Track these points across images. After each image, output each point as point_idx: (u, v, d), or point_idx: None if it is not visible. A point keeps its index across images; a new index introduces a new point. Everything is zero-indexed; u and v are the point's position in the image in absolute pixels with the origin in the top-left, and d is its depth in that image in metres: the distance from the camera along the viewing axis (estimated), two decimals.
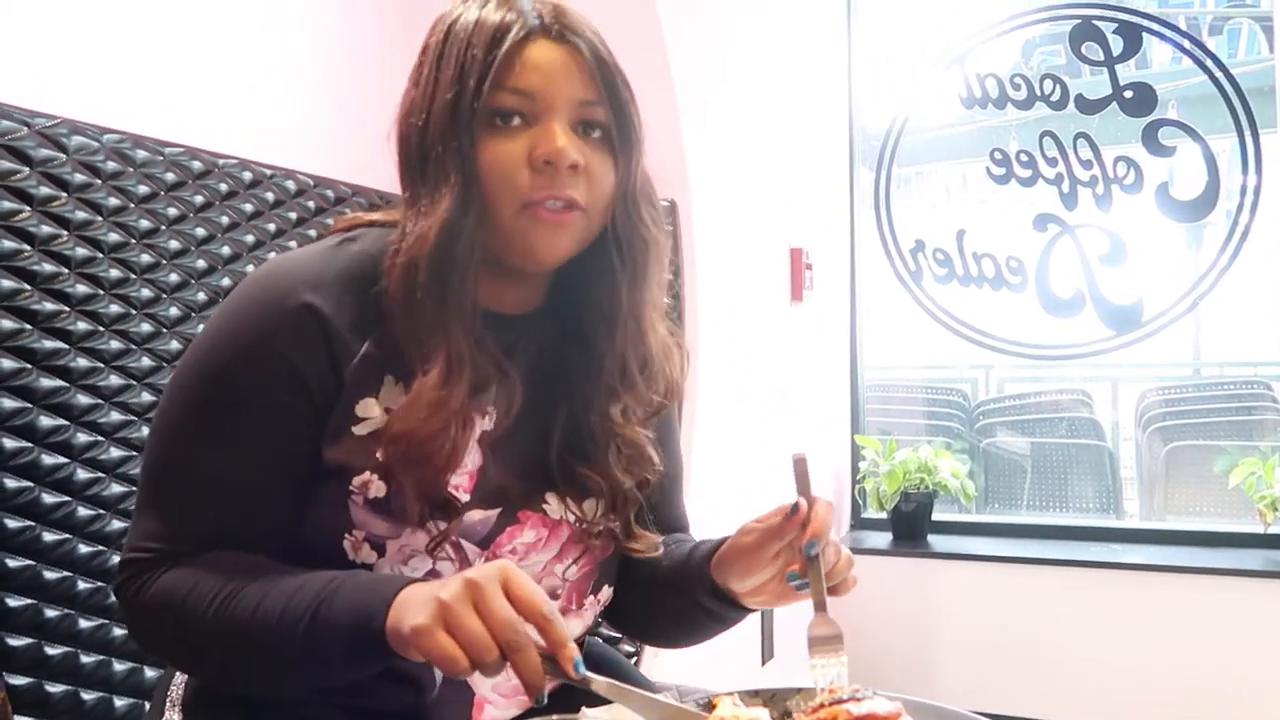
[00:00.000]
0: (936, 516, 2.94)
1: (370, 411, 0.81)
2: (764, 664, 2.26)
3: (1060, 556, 2.73)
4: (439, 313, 0.79)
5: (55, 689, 1.09)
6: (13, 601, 1.05)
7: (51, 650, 1.09)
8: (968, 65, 2.97)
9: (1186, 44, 2.80)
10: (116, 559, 1.14)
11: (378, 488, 0.79)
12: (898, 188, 3.06)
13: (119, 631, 1.15)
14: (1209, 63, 2.75)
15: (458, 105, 0.79)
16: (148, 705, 1.13)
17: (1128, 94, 2.80)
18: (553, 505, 0.90)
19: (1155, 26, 2.82)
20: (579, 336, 0.90)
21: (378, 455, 0.79)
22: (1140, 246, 2.81)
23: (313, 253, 0.85)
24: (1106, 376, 3.59)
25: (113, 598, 1.14)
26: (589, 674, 0.70)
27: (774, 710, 0.75)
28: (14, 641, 1.05)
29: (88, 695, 1.12)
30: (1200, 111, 2.78)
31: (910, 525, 2.89)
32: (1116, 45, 2.81)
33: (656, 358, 0.91)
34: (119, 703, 1.15)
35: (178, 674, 0.91)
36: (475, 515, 0.85)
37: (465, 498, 0.83)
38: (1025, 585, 2.73)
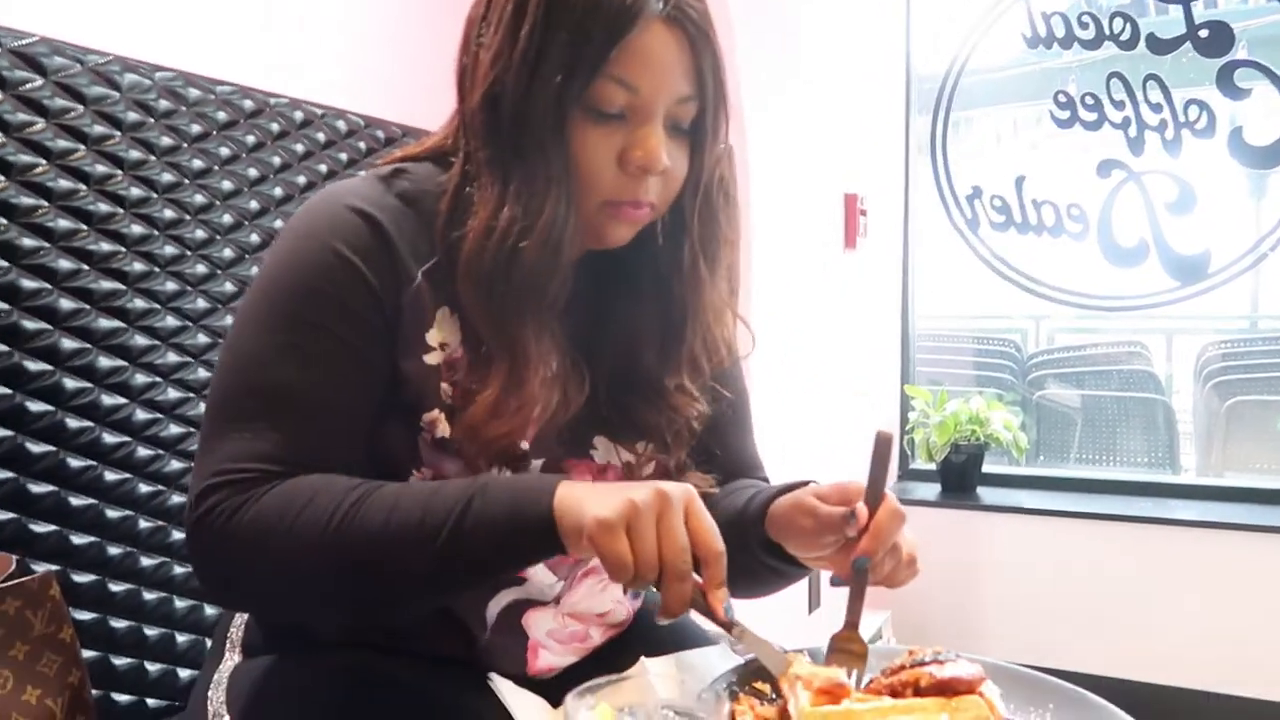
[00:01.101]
0: (986, 469, 2.90)
1: (436, 339, 0.79)
2: (810, 612, 2.26)
3: (1113, 511, 2.67)
4: (535, 312, 0.78)
5: (119, 624, 1.11)
6: (77, 539, 1.07)
7: (115, 587, 1.11)
8: (1032, 2, 2.85)
9: None
10: (176, 498, 1.16)
11: (444, 427, 0.78)
12: (954, 132, 2.96)
13: (180, 570, 1.17)
14: None
15: (566, 89, 0.74)
16: (208, 642, 1.15)
17: (1203, 33, 2.66)
18: (600, 450, 0.88)
19: None
20: (631, 292, 0.87)
21: (444, 391, 0.78)
22: (1210, 194, 2.69)
23: (364, 180, 0.82)
24: (1161, 329, 3.49)
25: (174, 535, 1.16)
26: (736, 619, 0.69)
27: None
28: (79, 578, 1.07)
29: (150, 630, 1.14)
30: (1276, 50, 2.64)
31: (960, 477, 2.85)
32: None
33: (722, 346, 0.90)
34: (180, 638, 1.17)
35: (237, 616, 0.92)
36: (529, 467, 0.83)
37: (526, 446, 0.82)
38: (1076, 540, 2.69)
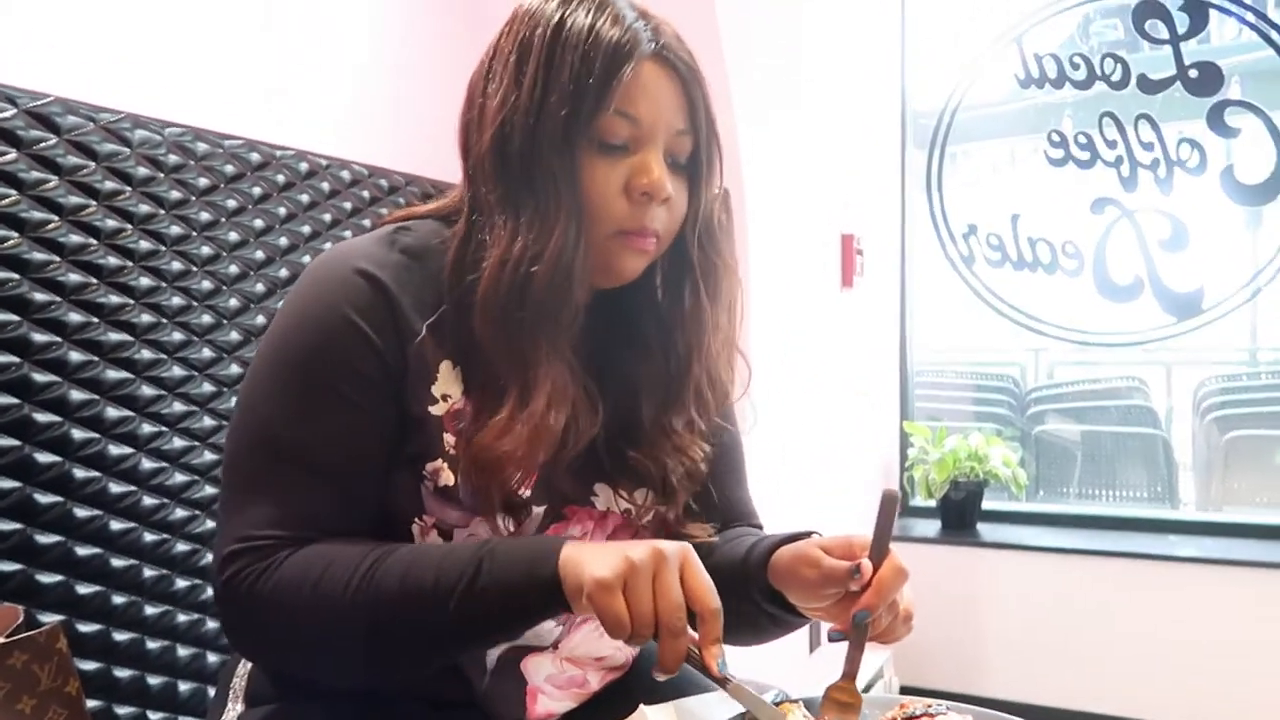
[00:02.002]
0: (986, 505, 2.90)
1: (440, 391, 0.81)
2: (811, 652, 2.26)
3: (1113, 548, 2.67)
4: (550, 340, 0.80)
5: (122, 673, 1.12)
6: (82, 589, 1.08)
7: (119, 636, 1.12)
8: (1025, 44, 2.90)
9: (1250, 17, 2.71)
10: (181, 546, 1.17)
11: (447, 476, 0.80)
12: (951, 171, 3.00)
13: (183, 617, 1.18)
14: (1275, 35, 2.65)
15: (573, 122, 0.78)
16: (211, 690, 1.16)
17: (1193, 73, 2.71)
18: (600, 497, 0.89)
19: (1221, 1, 2.73)
20: (633, 337, 0.90)
21: (447, 442, 0.80)
22: (1202, 231, 2.72)
23: (370, 239, 0.85)
24: (1160, 362, 3.50)
25: (178, 583, 1.17)
26: (730, 673, 0.71)
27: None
28: (83, 628, 1.08)
29: (153, 679, 1.15)
30: (1266, 87, 2.68)
31: (960, 514, 2.85)
32: (1182, 22, 2.71)
33: (724, 381, 0.92)
34: (183, 687, 1.18)
35: (240, 666, 0.92)
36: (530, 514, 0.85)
37: (527, 494, 0.84)
38: (1077, 577, 2.69)
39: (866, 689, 2.49)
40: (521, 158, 0.80)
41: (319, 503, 0.77)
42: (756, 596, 0.86)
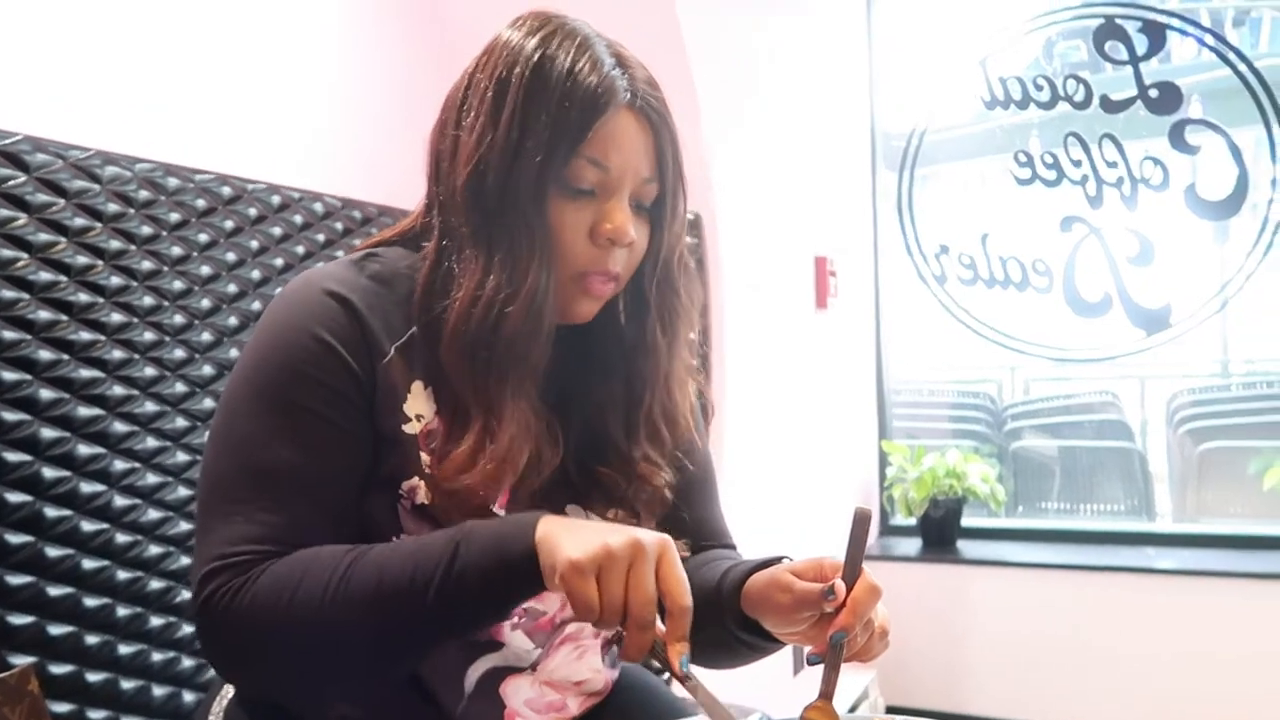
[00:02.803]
0: (965, 522, 2.92)
1: (413, 411, 0.82)
2: (796, 674, 2.25)
3: (1092, 562, 2.69)
4: (517, 378, 0.82)
5: (96, 715, 1.10)
6: (54, 629, 1.07)
7: (92, 677, 1.10)
8: (990, 67, 2.95)
9: (1209, 39, 2.77)
10: (155, 584, 1.16)
11: (423, 494, 0.81)
12: (921, 192, 3.04)
13: (158, 656, 1.17)
14: (1232, 56, 2.72)
15: (546, 167, 0.80)
16: None
17: (1153, 93, 2.77)
18: (571, 517, 0.89)
19: (1178, 23, 2.79)
20: (597, 365, 0.92)
21: (423, 461, 0.81)
22: (1168, 246, 2.77)
23: (338, 264, 0.87)
24: (1134, 375, 3.54)
25: (152, 621, 1.16)
26: (692, 672, 0.71)
27: None
28: (56, 669, 1.07)
29: None
30: (1225, 106, 2.74)
31: (940, 531, 2.87)
32: (1141, 44, 2.78)
33: (682, 416, 0.94)
34: None
35: (216, 704, 0.92)
36: None
37: (500, 511, 0.85)
38: (1057, 591, 2.71)
39: (852, 709, 2.48)
40: (495, 197, 0.81)
41: (297, 520, 0.77)
42: (730, 625, 0.87)
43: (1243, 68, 2.70)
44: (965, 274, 2.97)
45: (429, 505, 0.81)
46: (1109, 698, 2.59)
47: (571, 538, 0.70)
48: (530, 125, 0.80)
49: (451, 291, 0.82)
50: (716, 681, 0.75)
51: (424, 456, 0.81)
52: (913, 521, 2.92)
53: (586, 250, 0.83)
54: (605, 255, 0.83)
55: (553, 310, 0.83)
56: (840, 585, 0.77)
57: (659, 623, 0.70)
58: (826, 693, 0.77)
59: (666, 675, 1.33)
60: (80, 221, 1.13)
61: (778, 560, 0.85)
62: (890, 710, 2.69)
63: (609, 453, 0.91)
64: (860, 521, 0.78)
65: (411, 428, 0.82)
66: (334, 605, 0.72)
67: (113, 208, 1.16)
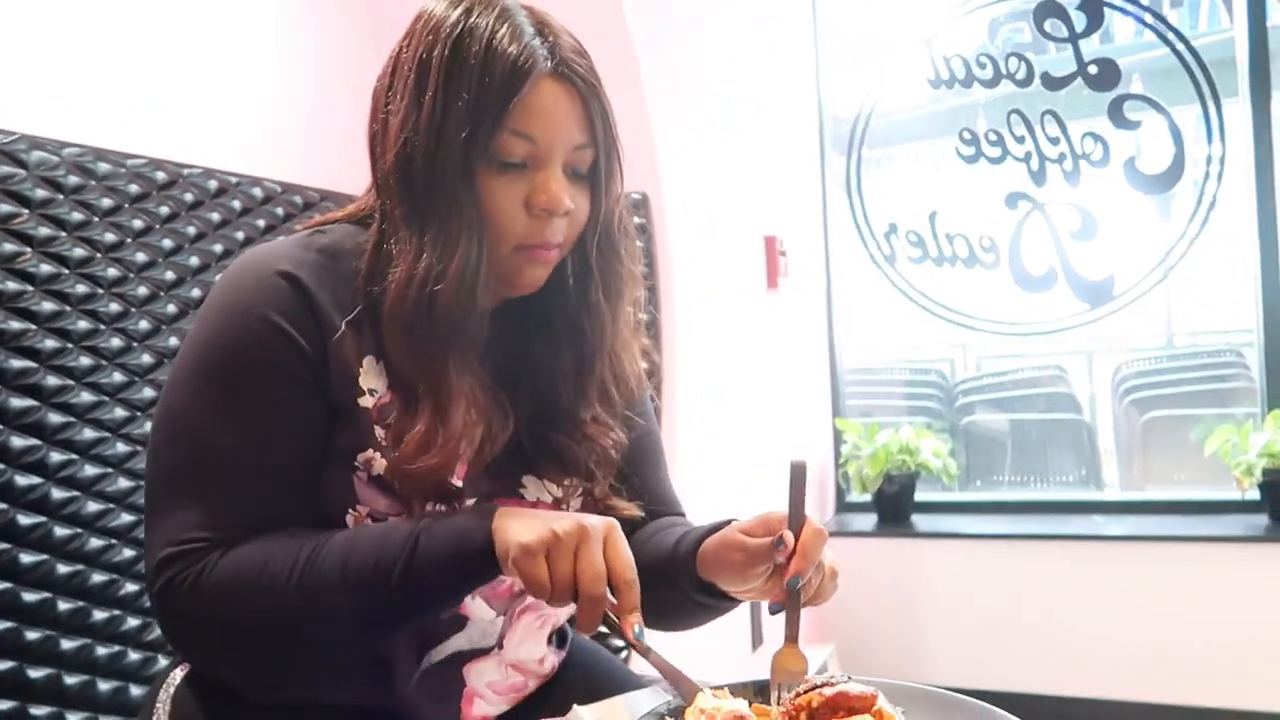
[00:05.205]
0: (919, 497, 2.96)
1: (366, 385, 0.83)
2: (754, 650, 2.27)
3: (1043, 531, 2.75)
4: (458, 354, 0.82)
5: (39, 711, 1.08)
6: None
7: (34, 673, 1.08)
8: (934, 46, 2.98)
9: (1148, 18, 2.82)
10: (97, 577, 1.14)
11: (379, 465, 0.81)
12: (869, 172, 3.07)
13: (102, 650, 1.14)
14: (1170, 35, 2.77)
15: (472, 144, 0.80)
16: None
17: (1092, 69, 2.81)
18: (530, 488, 0.92)
19: (1117, 1, 2.84)
20: (545, 334, 0.93)
21: (377, 434, 0.81)
22: (1110, 220, 2.83)
23: (286, 241, 0.87)
24: (1082, 350, 3.61)
25: (96, 615, 1.14)
26: (647, 642, 0.75)
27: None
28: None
29: (73, 717, 1.11)
30: (1164, 84, 2.80)
31: (894, 507, 2.91)
32: (1079, 21, 2.82)
33: (631, 376, 0.96)
34: None
35: (163, 692, 0.90)
36: (463, 505, 0.86)
37: (459, 483, 0.85)
38: (1009, 561, 2.76)
39: None
40: (424, 178, 0.81)
41: (249, 503, 0.79)
42: (687, 589, 0.89)
43: (1181, 47, 2.75)
44: (914, 252, 3.00)
45: (385, 476, 0.81)
46: (1062, 661, 2.65)
47: (522, 525, 0.75)
48: (451, 104, 0.80)
49: (389, 274, 0.82)
50: (678, 657, 0.78)
51: (378, 430, 0.82)
52: (868, 498, 2.96)
53: (524, 223, 0.83)
54: (544, 226, 0.84)
55: (488, 285, 0.83)
56: (788, 535, 0.80)
57: (610, 597, 0.74)
58: (792, 636, 0.81)
59: (626, 649, 1.34)
60: (5, 208, 1.10)
61: (726, 523, 0.88)
62: None
63: (560, 418, 0.92)
64: (797, 472, 0.83)
65: (365, 401, 0.82)
66: (298, 590, 0.74)
67: (40, 193, 1.13)
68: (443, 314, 0.81)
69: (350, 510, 0.82)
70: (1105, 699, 2.58)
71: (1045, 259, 2.88)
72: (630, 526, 0.98)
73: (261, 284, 0.81)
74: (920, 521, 2.92)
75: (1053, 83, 2.85)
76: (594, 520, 0.75)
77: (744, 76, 2.58)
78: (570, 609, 0.95)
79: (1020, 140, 2.88)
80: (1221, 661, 2.48)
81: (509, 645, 0.92)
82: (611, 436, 0.94)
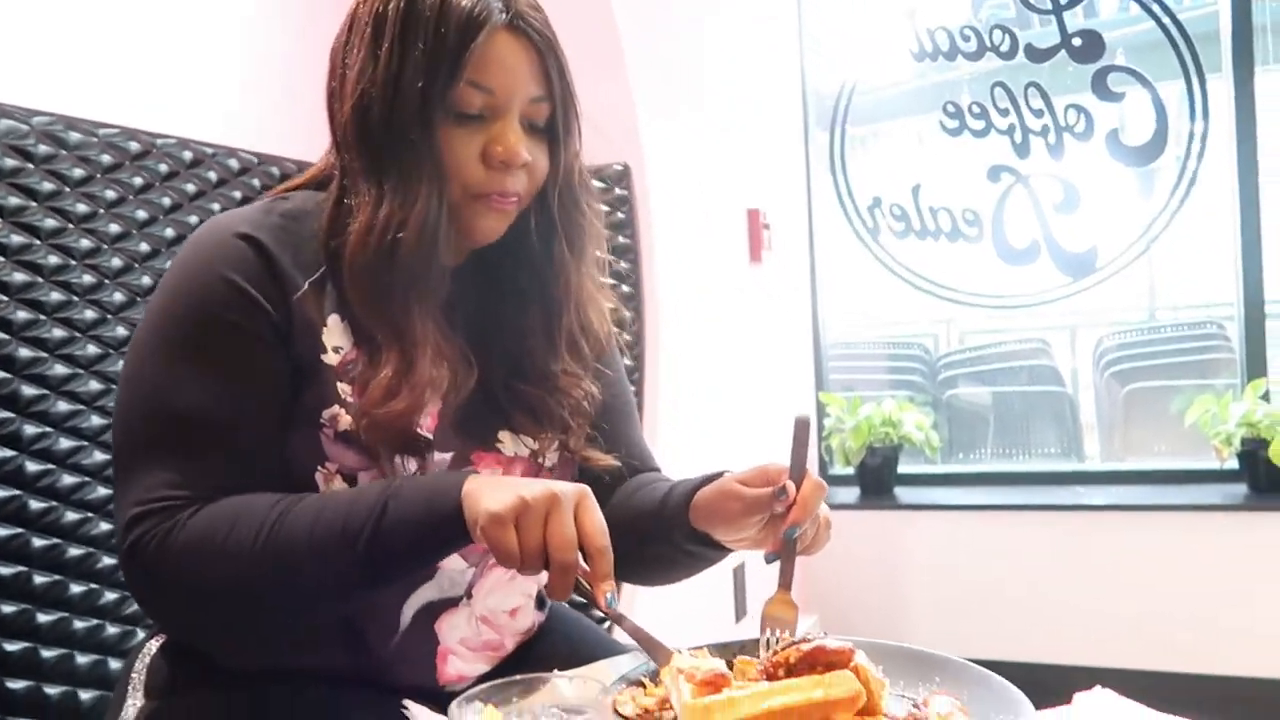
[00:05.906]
0: (902, 469, 2.98)
1: (330, 343, 0.83)
2: (738, 622, 2.29)
3: (1025, 502, 2.78)
4: (418, 299, 0.83)
5: (16, 685, 1.08)
6: None
7: (10, 646, 1.07)
8: (918, 19, 2.97)
9: None
10: (73, 550, 1.13)
11: (345, 421, 0.82)
12: (853, 146, 3.06)
13: (79, 624, 1.14)
14: (1156, 9, 2.77)
15: (428, 95, 0.81)
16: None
17: (1076, 41, 2.81)
18: (506, 443, 0.92)
19: None
20: (512, 290, 0.94)
21: (342, 390, 0.82)
22: (1093, 193, 2.83)
23: (248, 208, 0.88)
24: (1065, 324, 3.63)
25: (72, 589, 1.13)
26: (619, 610, 0.75)
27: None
28: None
29: (51, 690, 1.10)
30: (1148, 58, 2.80)
31: (877, 479, 2.92)
32: None
33: (599, 327, 0.97)
34: (84, 695, 1.13)
35: (139, 660, 0.90)
36: (434, 459, 0.87)
37: (430, 436, 0.86)
38: (991, 532, 2.78)
39: None
40: (381, 129, 0.82)
41: (216, 462, 0.79)
42: (677, 538, 0.90)
43: (1166, 21, 2.75)
44: (897, 226, 3.00)
45: (352, 432, 0.82)
46: (1044, 630, 2.68)
47: (492, 493, 0.73)
48: (408, 54, 0.81)
49: (349, 227, 0.82)
50: (661, 629, 0.78)
51: (343, 386, 0.83)
52: (851, 470, 2.97)
53: (481, 174, 0.84)
54: (502, 177, 0.85)
55: (448, 233, 0.84)
56: (791, 486, 0.82)
57: (582, 563, 0.74)
58: (785, 584, 0.83)
59: (605, 623, 1.35)
60: None
61: (719, 475, 0.89)
62: None
63: (531, 372, 0.93)
64: (801, 427, 0.85)
65: (330, 358, 0.83)
66: (265, 551, 0.74)
67: (9, 163, 1.11)
68: (404, 261, 0.81)
69: (320, 468, 0.82)
70: (1087, 666, 2.61)
71: (1028, 232, 2.88)
72: (611, 481, 0.99)
73: (221, 246, 0.82)
74: (903, 494, 2.94)
75: (1037, 55, 2.84)
76: (566, 487, 0.74)
77: (728, 50, 2.57)
78: (543, 576, 0.95)
79: (1004, 113, 2.88)
80: (1202, 628, 2.52)
81: (478, 595, 0.92)
82: (582, 387, 0.95)
